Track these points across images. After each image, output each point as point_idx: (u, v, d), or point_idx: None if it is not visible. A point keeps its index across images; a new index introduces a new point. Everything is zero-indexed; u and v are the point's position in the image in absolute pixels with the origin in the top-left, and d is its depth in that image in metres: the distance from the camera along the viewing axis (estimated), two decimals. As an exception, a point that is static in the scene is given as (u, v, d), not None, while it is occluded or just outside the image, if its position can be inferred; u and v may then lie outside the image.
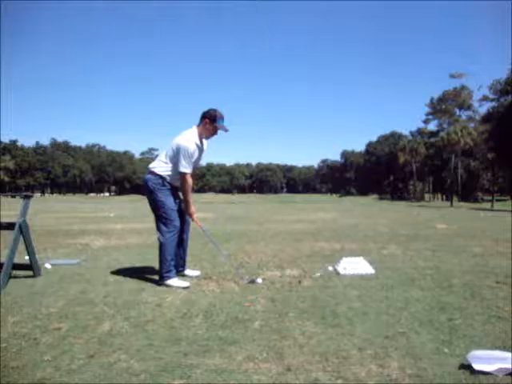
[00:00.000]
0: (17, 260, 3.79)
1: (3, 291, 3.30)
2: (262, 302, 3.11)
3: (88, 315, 2.75)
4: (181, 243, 3.87)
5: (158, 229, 3.70)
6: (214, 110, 3.76)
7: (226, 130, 3.83)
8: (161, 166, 3.73)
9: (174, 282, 3.60)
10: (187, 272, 4.01)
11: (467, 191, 72.00)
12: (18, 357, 2.08)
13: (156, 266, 3.81)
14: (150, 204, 3.76)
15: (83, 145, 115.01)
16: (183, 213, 3.89)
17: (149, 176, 3.75)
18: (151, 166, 3.80)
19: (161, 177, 3.69)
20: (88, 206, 28.36)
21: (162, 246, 3.65)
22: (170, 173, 3.70)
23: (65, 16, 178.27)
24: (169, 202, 3.69)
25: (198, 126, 3.76)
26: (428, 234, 8.35)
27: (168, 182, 3.71)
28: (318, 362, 2.03)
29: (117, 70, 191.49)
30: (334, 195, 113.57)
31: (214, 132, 3.79)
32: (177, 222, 3.70)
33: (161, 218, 3.68)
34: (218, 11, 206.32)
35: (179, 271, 3.87)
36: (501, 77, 44.07)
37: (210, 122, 3.72)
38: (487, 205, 48.95)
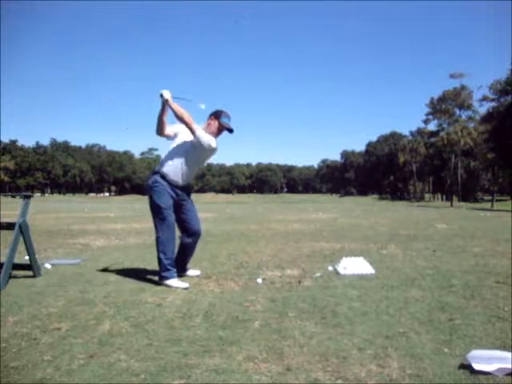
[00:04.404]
0: (17, 260, 3.80)
1: (3, 291, 3.30)
2: (262, 302, 3.11)
3: (88, 315, 2.75)
4: (185, 247, 3.87)
5: (155, 227, 3.70)
6: (221, 110, 3.77)
7: (231, 130, 3.79)
8: (162, 164, 3.72)
9: (174, 282, 3.60)
10: (187, 272, 4.00)
11: (467, 191, 71.99)
12: (18, 357, 2.08)
13: (156, 266, 3.80)
14: (149, 203, 3.75)
15: (83, 145, 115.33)
16: (191, 215, 3.85)
17: (152, 175, 3.75)
18: (156, 167, 3.82)
19: (161, 175, 3.68)
20: (88, 206, 28.36)
21: (158, 245, 3.65)
22: (171, 167, 3.66)
23: (64, 16, 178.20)
24: (164, 199, 3.65)
25: (203, 126, 3.75)
26: (428, 234, 8.35)
27: (168, 180, 3.67)
28: (317, 362, 2.03)
29: (117, 69, 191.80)
30: (334, 195, 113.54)
31: (218, 132, 3.77)
32: (172, 221, 3.68)
33: (157, 216, 3.67)
34: (218, 11, 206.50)
35: (179, 273, 3.85)
36: (501, 77, 43.97)
37: (215, 119, 3.73)
38: (487, 205, 48.92)
